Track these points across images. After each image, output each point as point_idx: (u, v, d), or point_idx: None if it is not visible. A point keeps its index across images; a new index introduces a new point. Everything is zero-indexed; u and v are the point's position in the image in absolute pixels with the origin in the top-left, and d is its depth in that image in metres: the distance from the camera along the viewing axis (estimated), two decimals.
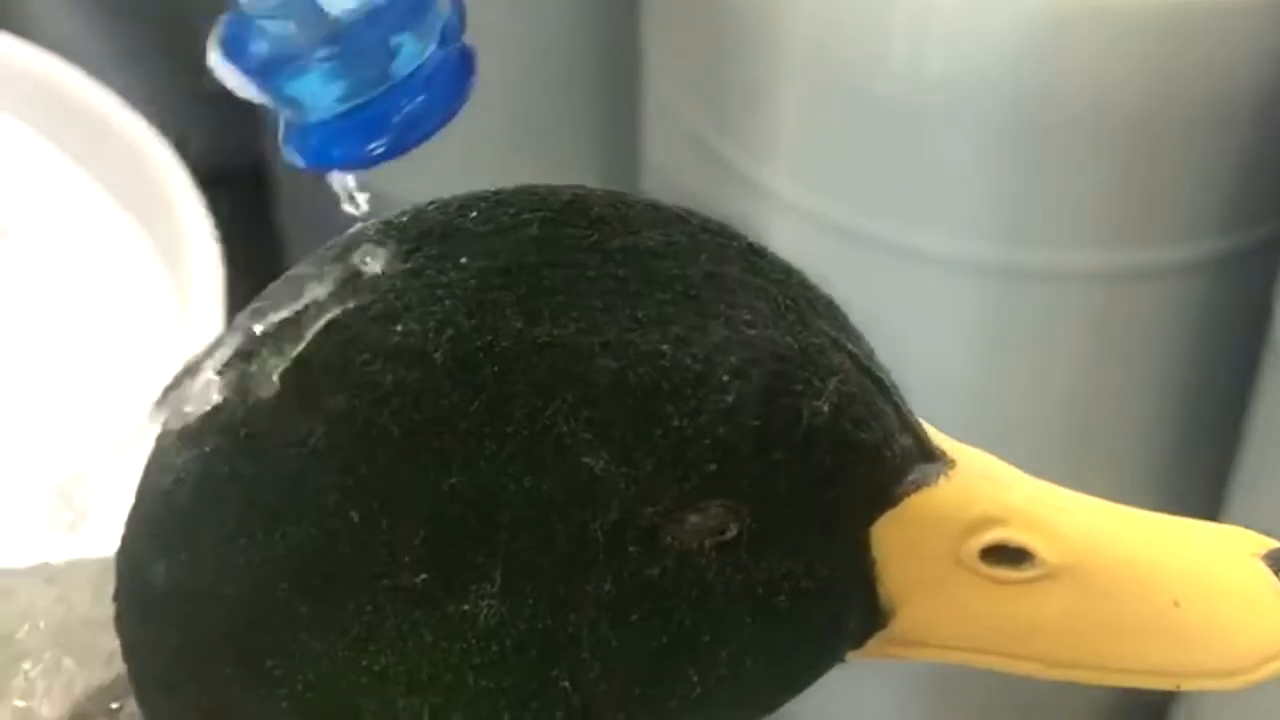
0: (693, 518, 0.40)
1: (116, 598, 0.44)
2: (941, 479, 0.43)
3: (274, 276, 0.43)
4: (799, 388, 0.41)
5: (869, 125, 1.21)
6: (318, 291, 0.41)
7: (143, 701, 0.45)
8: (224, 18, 0.40)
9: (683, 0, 1.30)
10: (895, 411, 0.43)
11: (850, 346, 0.43)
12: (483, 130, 1.06)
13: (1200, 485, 1.28)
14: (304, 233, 1.61)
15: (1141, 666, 0.44)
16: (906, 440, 0.43)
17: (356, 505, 0.40)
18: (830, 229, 1.23)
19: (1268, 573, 0.44)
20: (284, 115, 0.40)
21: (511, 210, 0.42)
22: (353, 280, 0.41)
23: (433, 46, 0.40)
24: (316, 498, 0.40)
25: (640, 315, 0.40)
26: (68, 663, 0.55)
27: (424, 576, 0.40)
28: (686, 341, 0.40)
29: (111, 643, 0.54)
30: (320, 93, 0.39)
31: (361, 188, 0.43)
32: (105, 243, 1.21)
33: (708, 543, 0.41)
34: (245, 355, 0.42)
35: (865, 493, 0.42)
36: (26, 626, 0.57)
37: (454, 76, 0.40)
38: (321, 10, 0.39)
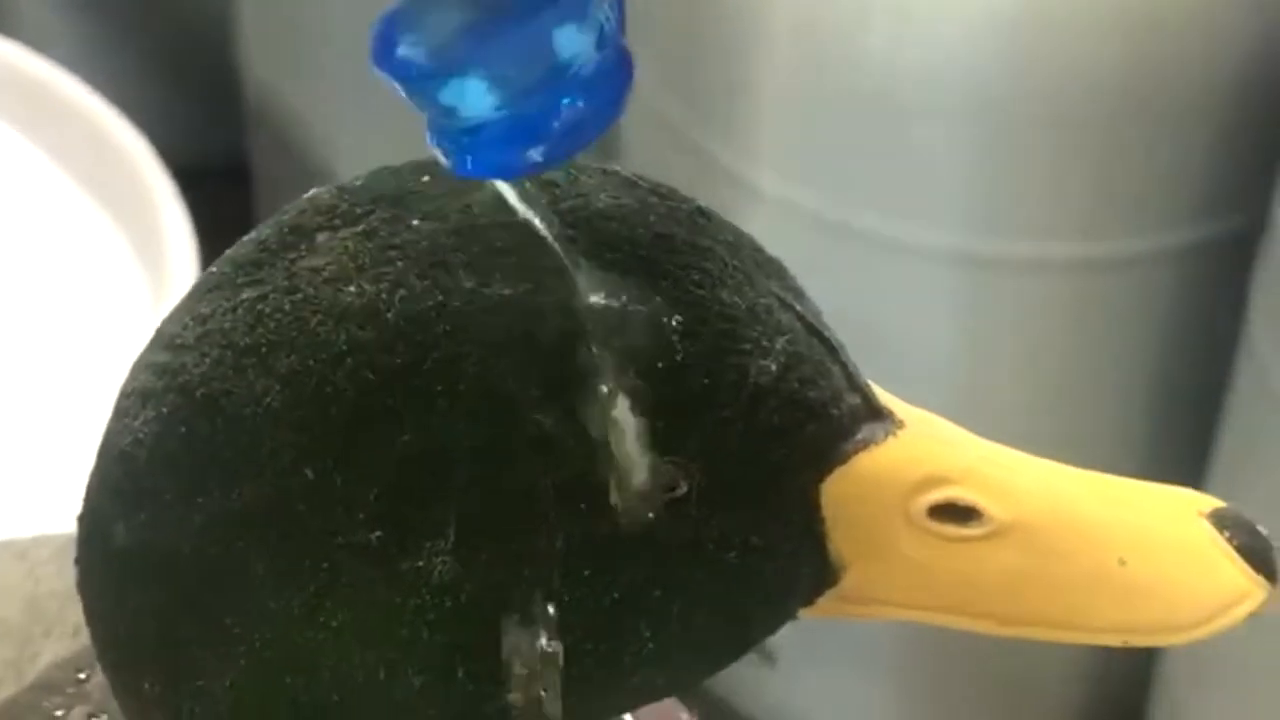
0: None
1: (78, 560, 0.45)
2: (889, 438, 0.44)
3: None
4: (747, 346, 0.42)
5: (848, 118, 1.22)
6: (274, 254, 0.42)
7: (105, 662, 0.45)
8: (383, 17, 0.38)
9: None
10: (843, 371, 0.44)
11: (798, 307, 0.43)
12: None
13: (1176, 473, 1.28)
14: None
15: (1090, 623, 0.45)
16: (854, 399, 0.44)
17: (311, 463, 0.40)
18: (810, 221, 1.24)
19: (1213, 531, 0.45)
20: (436, 122, 0.39)
21: None
22: (307, 242, 0.42)
23: (592, 47, 0.38)
24: (272, 456, 0.41)
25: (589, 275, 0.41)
26: (36, 633, 0.56)
27: (378, 533, 0.40)
28: (635, 301, 0.41)
29: (78, 615, 0.55)
30: (476, 102, 0.38)
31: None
32: (82, 240, 1.21)
33: (658, 499, 0.41)
34: (203, 318, 0.42)
35: (813, 451, 0.43)
36: None
37: (614, 78, 0.39)
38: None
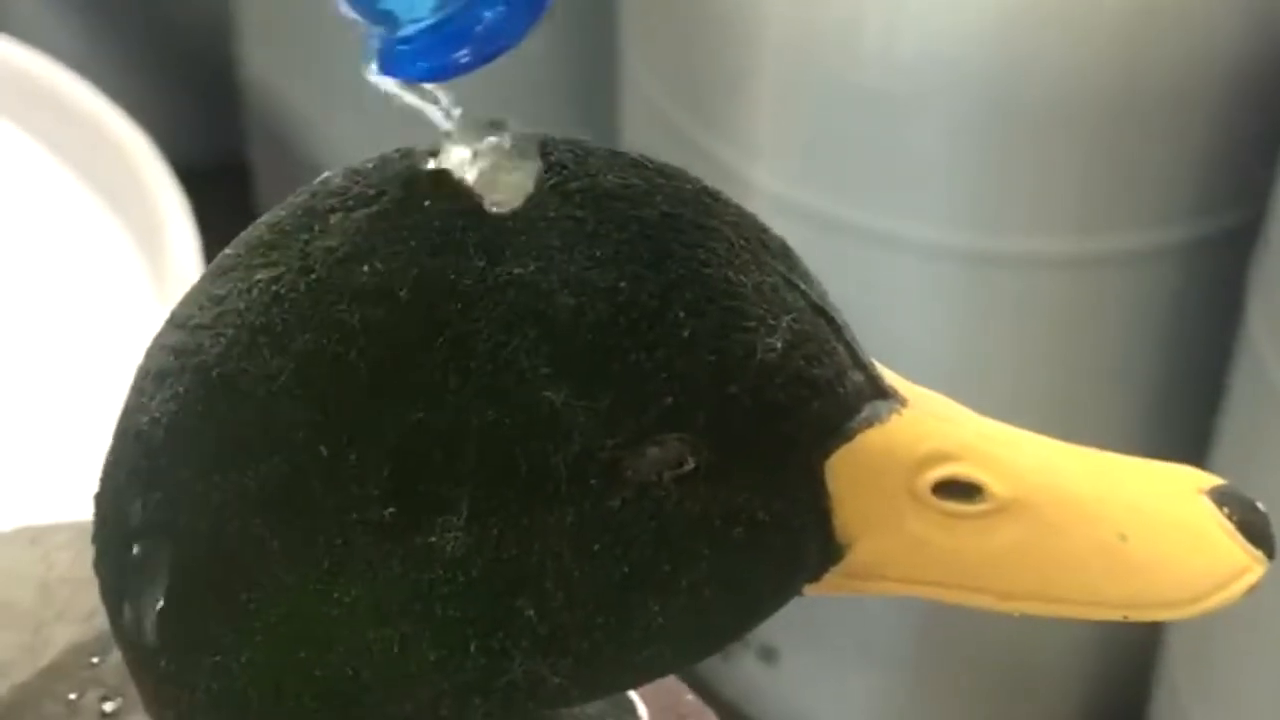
0: (651, 450, 0.42)
1: (95, 539, 0.45)
2: (894, 415, 0.45)
3: None
4: (753, 324, 0.42)
5: (844, 114, 1.22)
6: (288, 235, 0.43)
7: (122, 641, 0.46)
8: None
9: None
10: (847, 349, 0.44)
11: (802, 286, 0.44)
12: None
13: None
14: None
15: (1090, 598, 0.45)
16: (859, 377, 0.44)
17: (325, 440, 0.41)
18: (806, 217, 1.24)
19: (1212, 508, 0.45)
20: (371, 33, 0.41)
21: None
22: (320, 224, 0.43)
23: None
24: (287, 434, 0.41)
25: (598, 254, 0.42)
26: (49, 618, 0.56)
27: (392, 509, 0.41)
28: (643, 279, 0.42)
29: (91, 601, 0.56)
30: (414, 3, 0.40)
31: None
32: (85, 236, 1.21)
33: (666, 475, 0.42)
34: (218, 299, 0.43)
35: (819, 427, 0.44)
36: (8, 584, 0.58)
37: None
38: None
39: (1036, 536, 0.45)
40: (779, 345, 0.42)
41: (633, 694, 0.53)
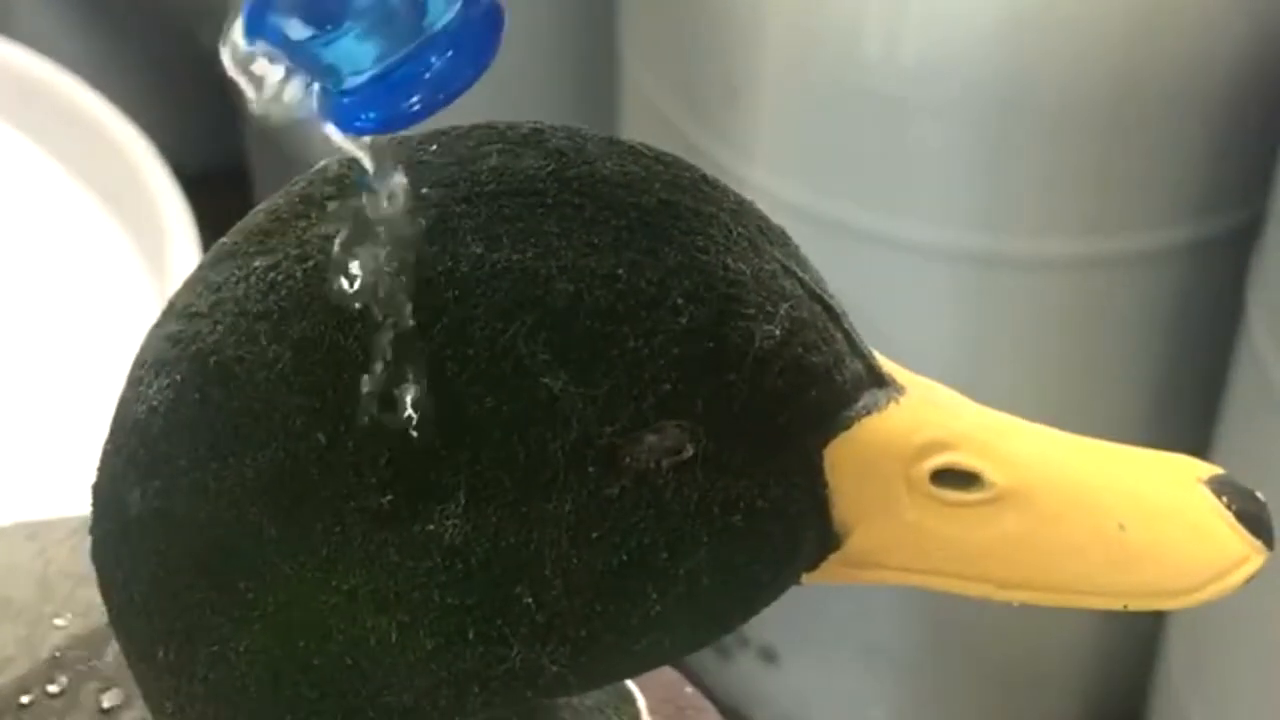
0: (650, 438, 0.42)
1: (93, 529, 0.45)
2: (892, 404, 0.45)
3: None
4: (751, 311, 0.42)
5: (846, 116, 1.22)
6: (285, 223, 0.43)
7: (119, 631, 0.46)
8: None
9: None
10: (845, 338, 0.44)
11: (800, 273, 0.44)
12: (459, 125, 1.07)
13: None
14: None
15: (1089, 587, 0.45)
16: (857, 366, 0.44)
17: (323, 428, 0.41)
18: (807, 219, 1.24)
19: (1211, 497, 0.45)
20: (317, 86, 0.40)
21: (471, 143, 0.43)
22: (318, 211, 0.42)
23: (459, 2, 0.40)
24: (284, 422, 0.41)
25: (596, 241, 0.41)
26: (47, 612, 0.56)
27: (389, 497, 0.41)
28: (641, 266, 0.41)
29: (89, 595, 0.56)
30: (356, 55, 0.39)
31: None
32: (86, 239, 1.21)
33: (665, 463, 0.42)
34: (215, 286, 0.43)
35: (817, 416, 0.44)
36: (7, 578, 0.58)
37: (482, 31, 0.40)
38: None
39: (1035, 525, 0.45)
40: (777, 333, 0.42)
41: (631, 685, 0.53)
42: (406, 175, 0.42)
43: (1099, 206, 1.23)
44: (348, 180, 0.43)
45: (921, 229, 1.24)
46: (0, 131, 1.27)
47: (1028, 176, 1.21)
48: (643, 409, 0.41)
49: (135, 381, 0.44)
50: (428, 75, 0.40)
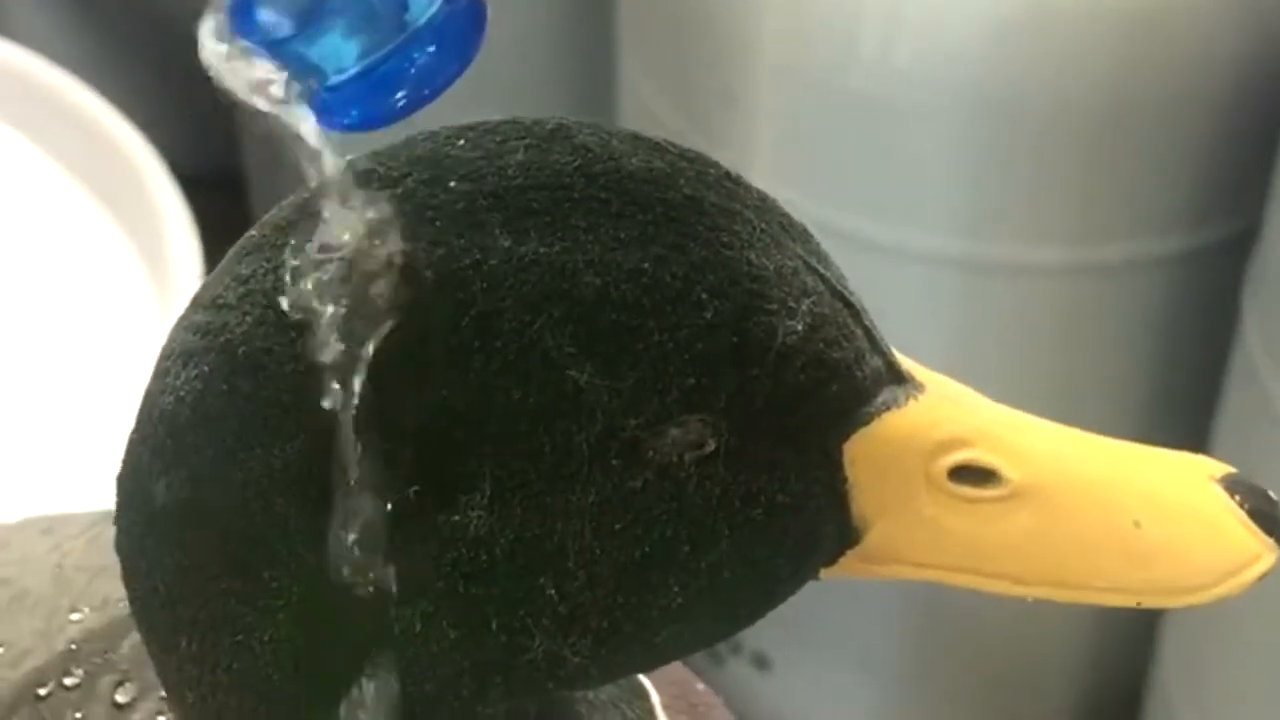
0: (673, 431, 0.42)
1: (117, 520, 0.45)
2: (911, 401, 0.45)
3: None
4: (774, 307, 0.43)
5: (840, 122, 1.23)
6: (314, 216, 0.43)
7: (142, 622, 0.46)
8: None
9: (656, 1, 1.31)
10: (866, 334, 0.45)
11: (822, 270, 0.44)
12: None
13: None
14: None
15: (1103, 584, 0.46)
16: (877, 362, 0.45)
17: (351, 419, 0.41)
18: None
19: (1224, 496, 0.46)
20: (302, 84, 0.41)
21: (498, 138, 0.44)
22: (345, 206, 0.43)
23: None
24: (312, 413, 0.41)
25: (622, 235, 0.42)
26: (64, 605, 0.57)
27: (416, 488, 0.41)
28: (666, 260, 0.42)
29: (105, 588, 0.56)
30: (339, 52, 0.40)
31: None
32: (87, 242, 1.22)
33: (687, 456, 0.42)
34: (243, 278, 0.43)
35: (837, 411, 0.44)
36: (24, 571, 0.58)
37: (465, 26, 0.41)
38: None
39: (1051, 522, 0.45)
40: (799, 328, 0.43)
41: (645, 680, 0.53)
42: (434, 168, 0.43)
43: (1090, 214, 1.23)
44: (376, 175, 0.43)
45: (913, 235, 1.24)
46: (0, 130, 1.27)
47: (1019, 184, 1.22)
48: (666, 402, 0.42)
49: (162, 373, 0.44)
50: (411, 71, 0.40)
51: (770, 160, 1.27)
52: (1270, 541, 0.45)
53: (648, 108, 1.34)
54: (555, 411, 0.41)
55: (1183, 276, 1.27)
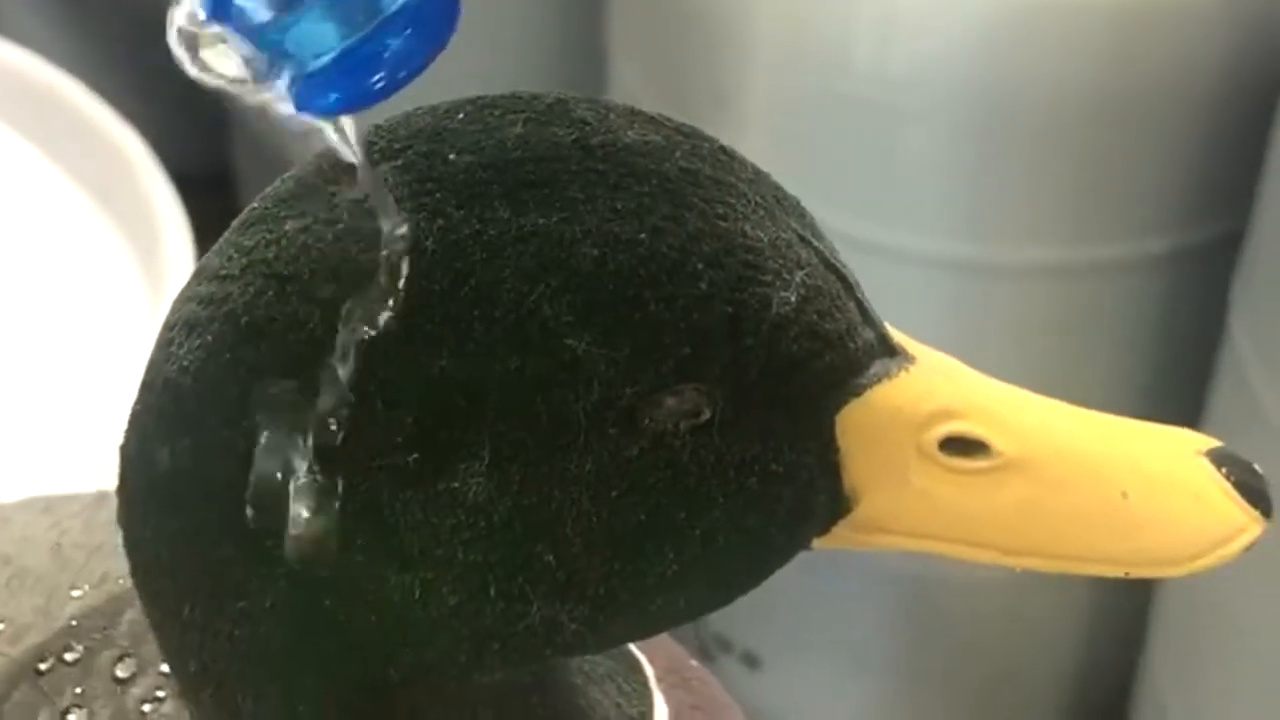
0: (669, 400, 0.43)
1: (119, 491, 0.46)
2: (902, 373, 0.46)
3: None
4: (768, 278, 0.43)
5: (833, 124, 1.23)
6: (315, 188, 0.44)
7: (145, 591, 0.47)
8: None
9: (648, 1, 1.32)
10: (858, 306, 0.45)
11: (816, 243, 0.45)
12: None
13: None
14: None
15: (1092, 555, 0.47)
16: (869, 334, 0.45)
17: (351, 387, 0.42)
18: None
19: (1211, 469, 0.46)
20: (279, 72, 0.41)
21: (497, 112, 0.44)
22: (347, 176, 0.43)
23: None
24: (314, 381, 0.42)
25: (619, 206, 0.43)
26: (63, 581, 0.57)
27: (415, 455, 0.42)
28: (663, 231, 0.43)
29: (103, 566, 0.57)
30: (316, 37, 0.41)
31: None
32: (81, 240, 1.22)
33: (683, 425, 0.43)
34: (246, 249, 0.44)
35: (830, 381, 0.45)
36: (24, 549, 0.59)
37: (439, 8, 0.42)
38: None
39: (1040, 493, 0.46)
40: (793, 299, 0.43)
41: (639, 654, 0.54)
42: (433, 141, 0.43)
43: (1083, 215, 1.24)
44: (377, 146, 0.44)
45: (907, 236, 1.25)
46: None
47: (1012, 185, 1.22)
48: (662, 371, 0.42)
49: (165, 343, 0.45)
50: (387, 55, 0.41)
51: (763, 161, 1.27)
52: (1256, 513, 0.46)
53: (638, 107, 1.34)
54: (553, 380, 0.42)
55: (1173, 276, 1.27)
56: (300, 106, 0.41)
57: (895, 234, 1.25)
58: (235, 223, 0.45)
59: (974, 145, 1.21)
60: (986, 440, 0.46)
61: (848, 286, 0.45)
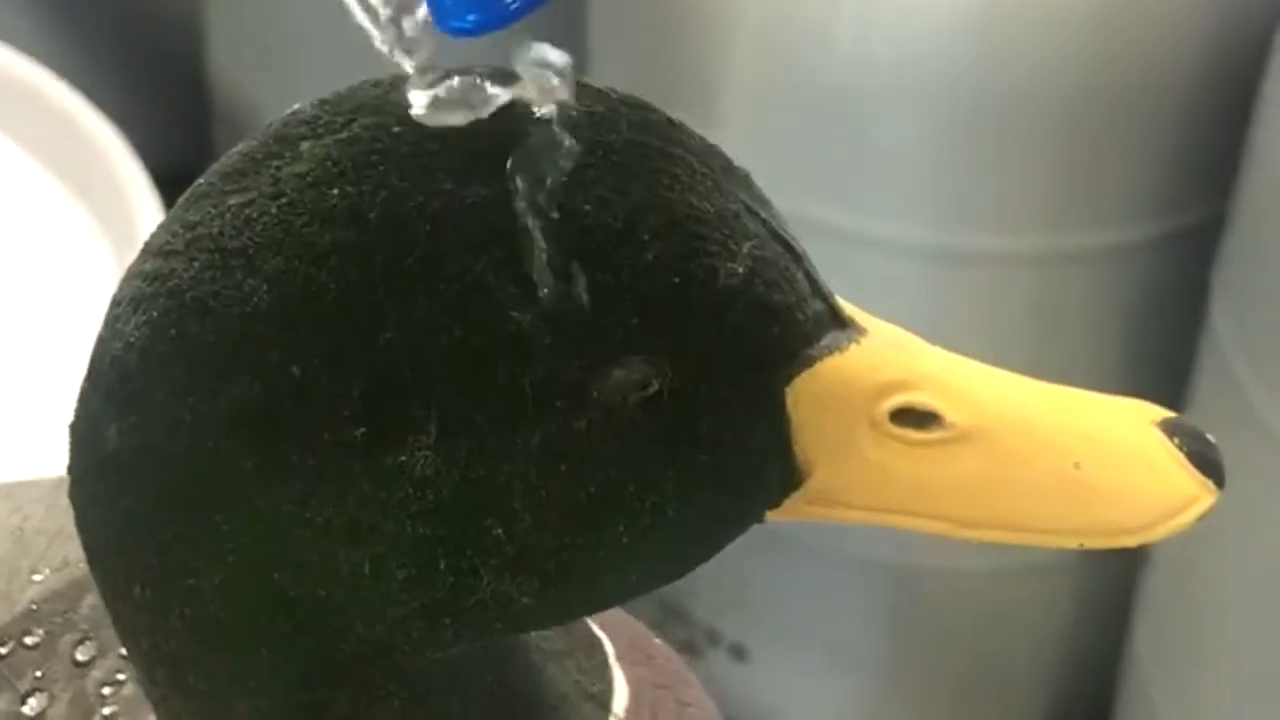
0: (617, 372, 0.43)
1: (70, 469, 0.46)
2: (853, 345, 0.46)
3: None
4: (715, 249, 0.43)
5: (814, 113, 1.23)
6: (260, 163, 0.44)
7: (97, 570, 0.46)
8: None
9: None
10: (807, 278, 0.45)
11: (763, 214, 0.45)
12: None
13: None
14: None
15: (1046, 526, 0.46)
16: (818, 305, 0.45)
17: (297, 361, 0.42)
18: None
19: (1164, 439, 0.46)
20: None
21: None
22: (292, 151, 0.43)
23: None
24: (259, 355, 0.42)
25: (564, 177, 0.42)
26: (24, 566, 0.57)
27: (362, 429, 0.42)
28: (608, 202, 0.42)
29: (65, 551, 0.57)
30: None
31: None
32: (59, 235, 1.22)
33: (631, 397, 0.43)
34: (191, 224, 0.44)
35: (779, 353, 0.44)
36: None
37: None
38: None
39: (993, 464, 0.46)
40: (740, 270, 0.43)
41: (599, 631, 0.54)
42: (378, 114, 0.43)
43: (1063, 202, 1.24)
44: (321, 120, 0.44)
45: (886, 224, 1.25)
46: None
47: (993, 173, 1.22)
48: (609, 343, 0.42)
49: (112, 320, 0.45)
50: None
51: (743, 149, 1.27)
52: (1209, 484, 0.46)
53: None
54: (499, 352, 0.42)
55: (1153, 263, 1.27)
56: (439, 25, 0.42)
57: (875, 221, 1.25)
58: (181, 199, 0.45)
59: (954, 133, 1.21)
60: (938, 411, 0.45)
61: (796, 258, 0.45)
